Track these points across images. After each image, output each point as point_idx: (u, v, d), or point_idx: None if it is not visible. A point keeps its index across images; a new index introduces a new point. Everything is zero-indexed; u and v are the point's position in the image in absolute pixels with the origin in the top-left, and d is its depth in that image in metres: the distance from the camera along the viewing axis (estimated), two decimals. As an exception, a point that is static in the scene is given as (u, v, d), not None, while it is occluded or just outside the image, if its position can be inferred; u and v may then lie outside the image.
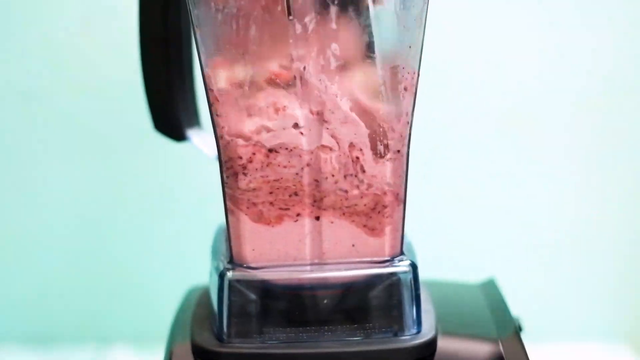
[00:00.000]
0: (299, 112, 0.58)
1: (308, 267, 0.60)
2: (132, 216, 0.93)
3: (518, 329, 0.63)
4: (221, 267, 0.60)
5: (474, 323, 0.64)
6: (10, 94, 0.91)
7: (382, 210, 0.60)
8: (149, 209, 0.93)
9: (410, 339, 0.60)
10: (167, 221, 0.93)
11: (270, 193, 0.59)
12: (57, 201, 0.93)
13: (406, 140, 0.60)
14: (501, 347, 0.60)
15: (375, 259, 0.60)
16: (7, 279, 0.94)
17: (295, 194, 0.59)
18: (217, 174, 0.60)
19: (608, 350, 0.94)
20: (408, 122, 0.59)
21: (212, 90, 0.58)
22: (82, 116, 0.91)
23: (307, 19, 0.57)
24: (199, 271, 0.72)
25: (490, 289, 0.69)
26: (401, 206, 0.60)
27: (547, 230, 0.94)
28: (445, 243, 0.93)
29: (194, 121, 0.69)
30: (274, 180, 0.59)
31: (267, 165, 0.59)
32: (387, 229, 0.60)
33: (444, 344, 0.60)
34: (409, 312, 0.60)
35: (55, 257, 0.94)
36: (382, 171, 0.59)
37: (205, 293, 0.66)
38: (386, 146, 0.59)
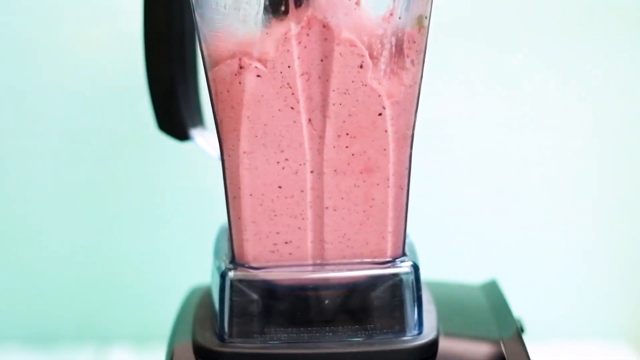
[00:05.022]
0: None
1: (310, 268, 0.60)
2: (134, 216, 0.93)
3: (520, 330, 0.63)
4: (223, 267, 0.60)
5: (476, 324, 0.64)
6: (11, 94, 0.91)
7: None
8: (150, 209, 0.93)
9: (411, 339, 0.60)
10: (168, 221, 0.93)
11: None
12: (58, 200, 0.93)
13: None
14: (503, 348, 0.60)
15: (377, 259, 0.60)
16: (7, 279, 0.94)
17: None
18: (220, 174, 0.60)
19: (608, 350, 0.94)
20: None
21: (215, 90, 0.58)
22: (85, 115, 0.91)
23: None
24: (201, 271, 0.72)
25: (491, 290, 0.69)
26: (403, 205, 0.60)
27: (548, 231, 0.94)
28: (447, 244, 0.93)
29: (198, 121, 0.69)
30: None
31: None
32: (389, 229, 0.60)
33: (446, 345, 0.61)
34: (411, 313, 0.60)
35: (56, 257, 0.93)
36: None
37: (207, 293, 0.66)
38: None
